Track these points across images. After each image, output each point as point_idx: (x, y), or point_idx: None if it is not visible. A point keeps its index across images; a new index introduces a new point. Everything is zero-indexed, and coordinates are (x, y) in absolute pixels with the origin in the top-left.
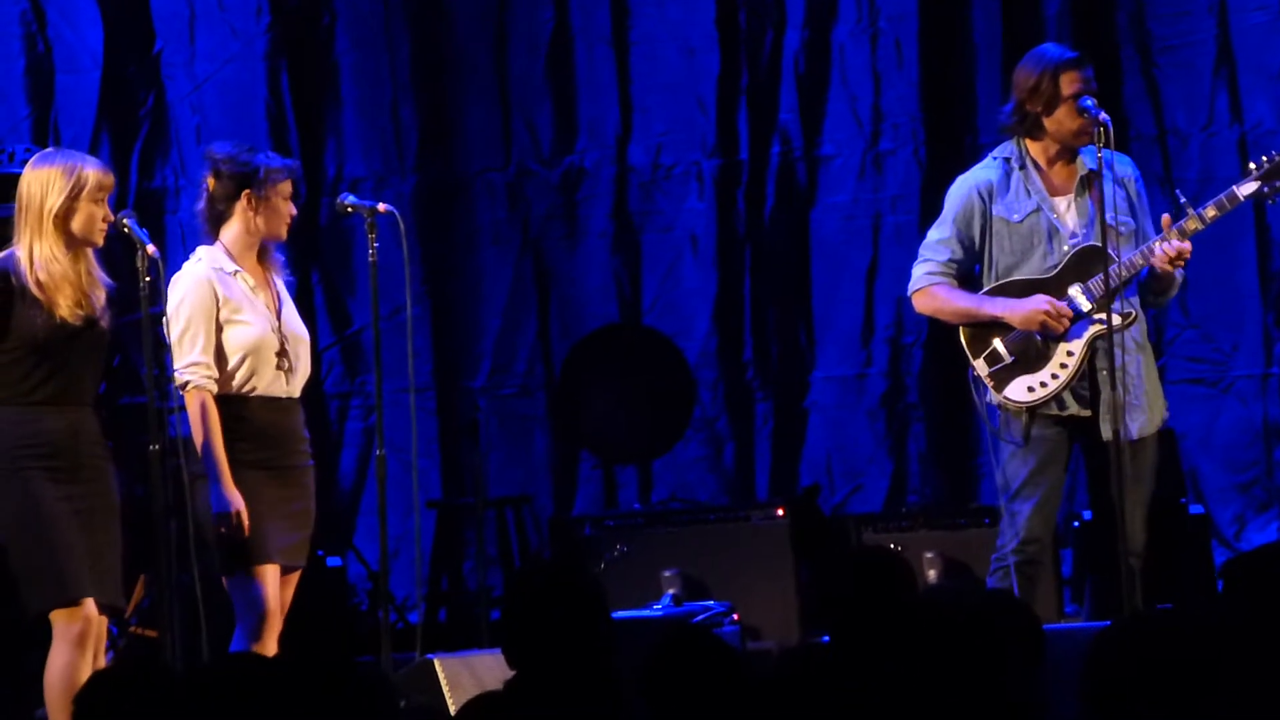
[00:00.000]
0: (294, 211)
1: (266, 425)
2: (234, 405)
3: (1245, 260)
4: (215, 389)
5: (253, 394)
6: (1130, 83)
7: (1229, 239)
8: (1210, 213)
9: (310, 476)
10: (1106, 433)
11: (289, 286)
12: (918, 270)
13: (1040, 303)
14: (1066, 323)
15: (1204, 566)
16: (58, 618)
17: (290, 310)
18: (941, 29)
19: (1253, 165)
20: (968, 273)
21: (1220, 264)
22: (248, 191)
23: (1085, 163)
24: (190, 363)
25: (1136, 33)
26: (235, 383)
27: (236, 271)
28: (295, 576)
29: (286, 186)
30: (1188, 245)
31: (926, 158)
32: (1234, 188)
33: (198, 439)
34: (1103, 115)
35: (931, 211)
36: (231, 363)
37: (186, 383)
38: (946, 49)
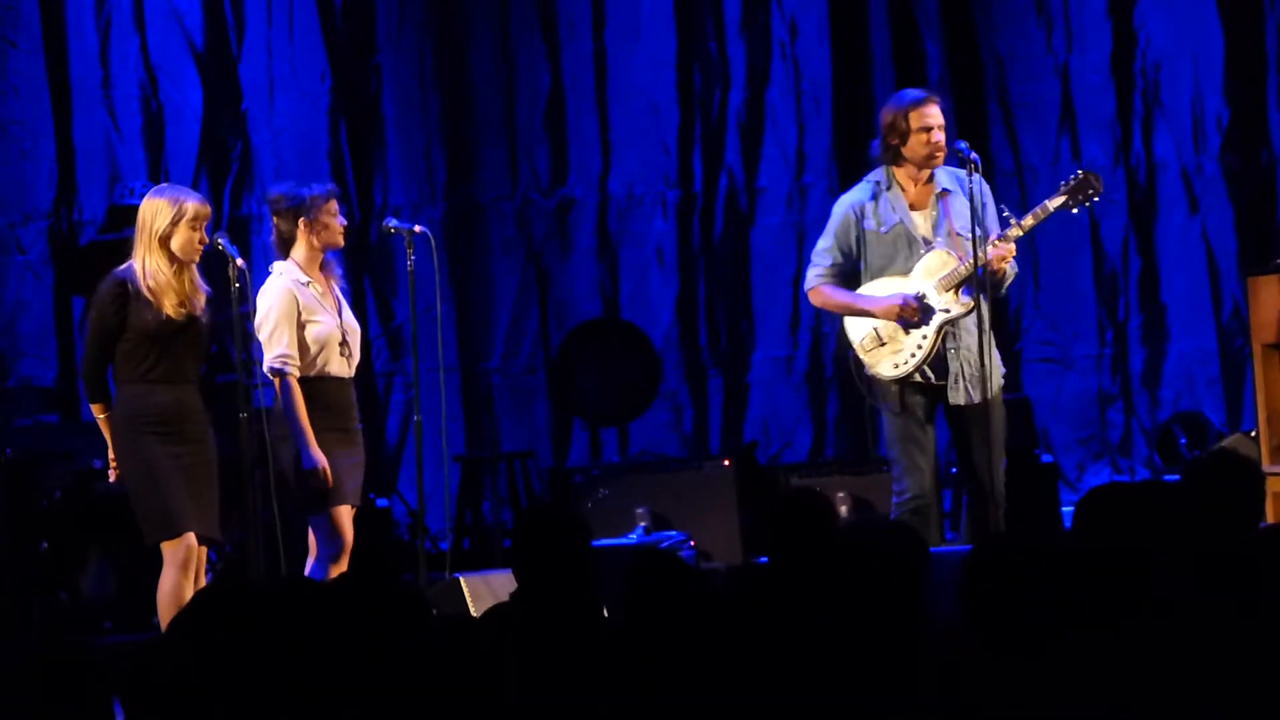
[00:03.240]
0: (344, 223)
1: (334, 399)
2: (313, 385)
3: (1083, 268)
4: (298, 374)
5: (325, 376)
6: (995, 130)
7: (1071, 251)
8: (1028, 221)
9: (361, 437)
10: (956, 398)
11: (345, 293)
12: (810, 273)
13: (897, 299)
14: (917, 313)
15: (1052, 503)
16: (166, 547)
17: (347, 310)
18: (850, 89)
19: (1061, 184)
20: (850, 271)
21: (1064, 270)
22: (303, 219)
23: (940, 183)
24: (280, 354)
25: (1000, 92)
26: (314, 368)
27: (308, 282)
28: (353, 513)
29: (332, 205)
30: (1011, 247)
31: (839, 188)
32: (1045, 201)
33: (289, 413)
34: (973, 154)
35: None
36: (311, 353)
37: (277, 370)
38: (854, 105)
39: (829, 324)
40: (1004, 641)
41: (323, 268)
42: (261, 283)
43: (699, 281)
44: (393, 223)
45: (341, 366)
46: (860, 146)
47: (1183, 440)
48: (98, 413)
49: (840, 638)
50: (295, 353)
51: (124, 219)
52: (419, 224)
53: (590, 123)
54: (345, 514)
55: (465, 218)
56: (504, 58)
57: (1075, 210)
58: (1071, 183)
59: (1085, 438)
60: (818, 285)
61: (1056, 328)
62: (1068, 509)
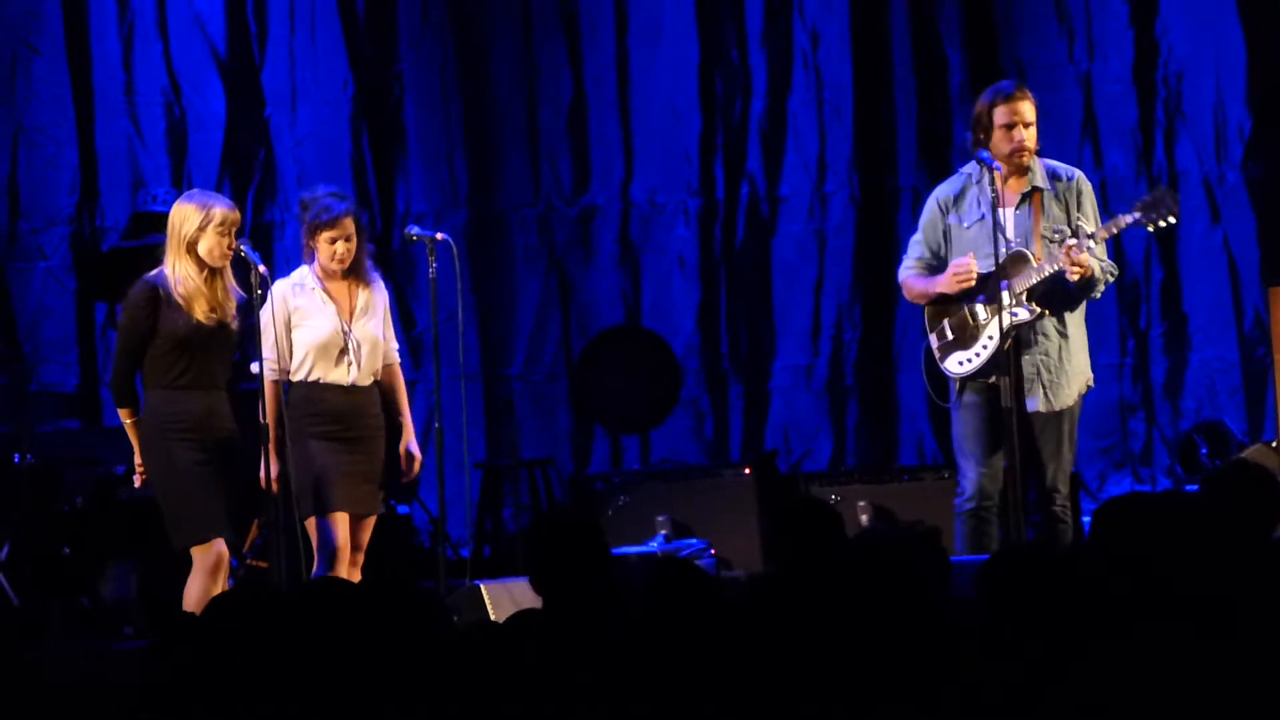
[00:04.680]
0: (339, 253)
1: (330, 405)
2: (304, 389)
3: None
4: (277, 377)
5: (316, 381)
6: None
7: None
8: (1101, 235)
9: (376, 445)
10: (1034, 404)
11: (390, 303)
12: (902, 267)
13: (951, 268)
14: (973, 277)
15: (1074, 511)
16: (196, 552)
17: (369, 318)
18: (871, 98)
19: (1137, 201)
20: (941, 267)
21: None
22: (306, 235)
23: (1032, 179)
24: (263, 357)
25: None
26: (303, 372)
27: (314, 287)
28: (371, 520)
29: (329, 233)
30: (1085, 257)
31: (860, 196)
32: (1119, 216)
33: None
34: (995, 163)
35: (866, 239)
36: (299, 357)
37: (254, 371)
38: (875, 113)
39: (849, 331)
40: (1022, 650)
41: (352, 274)
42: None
43: (720, 289)
44: (415, 230)
45: (340, 373)
46: (880, 154)
47: (1204, 450)
48: (125, 418)
49: (854, 648)
50: (274, 355)
51: (147, 225)
52: (441, 231)
53: (612, 130)
54: (339, 521)
55: (487, 225)
56: (526, 65)
57: (1150, 229)
58: (1148, 200)
59: (1107, 447)
60: (905, 278)
61: None
62: (1088, 519)
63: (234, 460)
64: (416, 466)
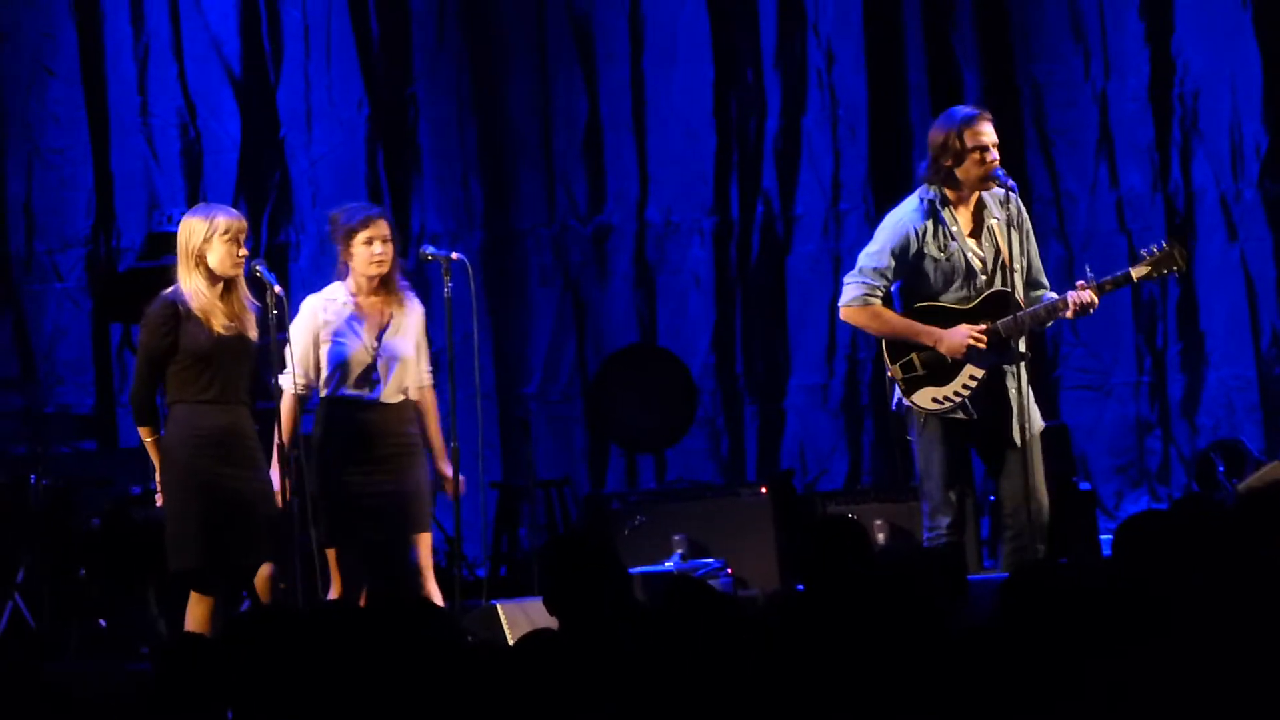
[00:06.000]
0: (376, 254)
1: (359, 423)
2: (330, 405)
3: (1121, 295)
4: (300, 391)
5: (346, 397)
6: (1032, 157)
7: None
8: (1107, 285)
9: (405, 463)
10: (1015, 435)
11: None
12: (856, 290)
13: (963, 334)
14: (986, 349)
15: (1090, 531)
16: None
17: (400, 335)
18: (886, 117)
19: (1144, 253)
20: (889, 292)
21: (1102, 298)
22: (339, 245)
23: (986, 206)
24: (286, 370)
25: (1037, 119)
26: (329, 388)
27: (345, 302)
28: (421, 538)
29: (363, 234)
30: (1096, 300)
31: (875, 215)
32: (1129, 269)
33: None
34: (1010, 181)
35: None
36: (325, 373)
37: (279, 385)
38: (889, 132)
39: (864, 350)
40: (1041, 668)
41: (384, 289)
42: (298, 310)
43: (735, 309)
44: (430, 250)
45: (366, 390)
46: (895, 173)
47: (1221, 468)
48: (145, 436)
49: (874, 663)
50: (300, 370)
51: (162, 246)
52: (456, 251)
53: (628, 150)
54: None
55: (502, 245)
56: (541, 85)
57: (1156, 280)
58: (1156, 254)
59: (1123, 465)
60: (869, 306)
61: (1095, 355)
62: (1106, 537)
63: (261, 476)
64: (449, 487)
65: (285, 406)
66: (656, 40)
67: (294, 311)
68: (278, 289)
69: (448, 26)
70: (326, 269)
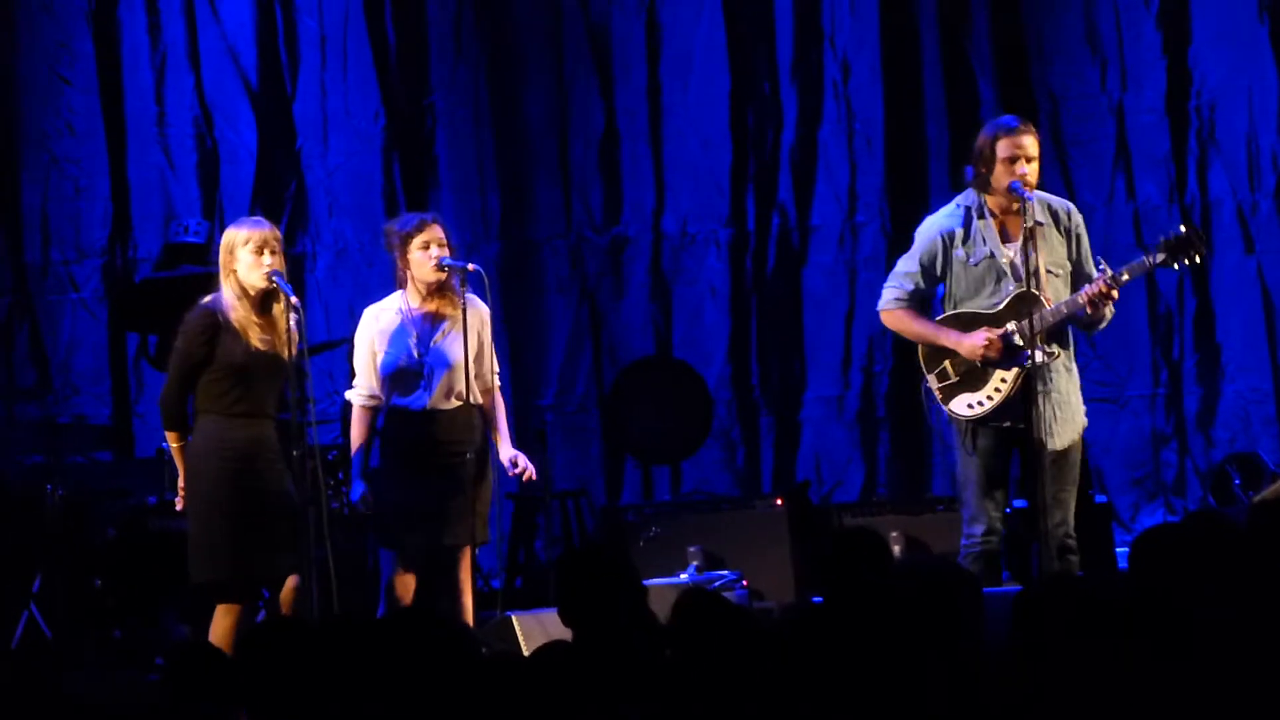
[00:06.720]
0: (434, 255)
1: (409, 432)
2: (387, 415)
3: (1138, 307)
4: (364, 402)
5: (395, 407)
6: (1049, 169)
7: (1126, 290)
8: (1124, 276)
9: (459, 471)
10: (1052, 444)
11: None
12: (888, 294)
13: (980, 338)
14: (1000, 353)
15: (1106, 543)
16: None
17: (448, 340)
18: (903, 129)
19: (1162, 238)
20: (928, 297)
21: (1118, 309)
22: (396, 253)
23: (1032, 214)
24: (355, 383)
25: (1054, 131)
26: (385, 398)
27: (398, 310)
28: (463, 551)
29: (419, 239)
30: (1115, 293)
31: (891, 227)
32: (1144, 258)
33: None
34: (1027, 194)
35: None
36: (380, 382)
37: (347, 397)
38: (905, 144)
39: (880, 363)
40: (1057, 681)
41: (441, 294)
42: (315, 321)
43: (751, 320)
44: (446, 260)
45: (416, 399)
46: (911, 185)
47: (1237, 481)
48: (172, 441)
49: (893, 676)
50: (363, 380)
51: (179, 256)
52: (473, 262)
53: (644, 161)
54: (398, 558)
55: (519, 256)
56: (557, 96)
57: (1175, 267)
58: (1173, 240)
59: (1139, 478)
60: (897, 309)
61: (1111, 367)
62: (1122, 549)
63: (285, 488)
64: (519, 469)
65: (354, 419)
66: (673, 51)
67: (310, 323)
68: (294, 300)
69: (465, 37)
70: (343, 279)
